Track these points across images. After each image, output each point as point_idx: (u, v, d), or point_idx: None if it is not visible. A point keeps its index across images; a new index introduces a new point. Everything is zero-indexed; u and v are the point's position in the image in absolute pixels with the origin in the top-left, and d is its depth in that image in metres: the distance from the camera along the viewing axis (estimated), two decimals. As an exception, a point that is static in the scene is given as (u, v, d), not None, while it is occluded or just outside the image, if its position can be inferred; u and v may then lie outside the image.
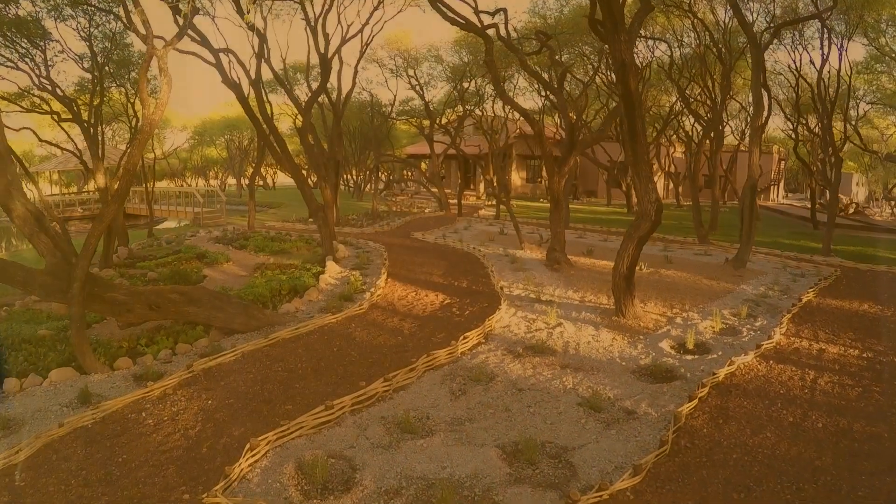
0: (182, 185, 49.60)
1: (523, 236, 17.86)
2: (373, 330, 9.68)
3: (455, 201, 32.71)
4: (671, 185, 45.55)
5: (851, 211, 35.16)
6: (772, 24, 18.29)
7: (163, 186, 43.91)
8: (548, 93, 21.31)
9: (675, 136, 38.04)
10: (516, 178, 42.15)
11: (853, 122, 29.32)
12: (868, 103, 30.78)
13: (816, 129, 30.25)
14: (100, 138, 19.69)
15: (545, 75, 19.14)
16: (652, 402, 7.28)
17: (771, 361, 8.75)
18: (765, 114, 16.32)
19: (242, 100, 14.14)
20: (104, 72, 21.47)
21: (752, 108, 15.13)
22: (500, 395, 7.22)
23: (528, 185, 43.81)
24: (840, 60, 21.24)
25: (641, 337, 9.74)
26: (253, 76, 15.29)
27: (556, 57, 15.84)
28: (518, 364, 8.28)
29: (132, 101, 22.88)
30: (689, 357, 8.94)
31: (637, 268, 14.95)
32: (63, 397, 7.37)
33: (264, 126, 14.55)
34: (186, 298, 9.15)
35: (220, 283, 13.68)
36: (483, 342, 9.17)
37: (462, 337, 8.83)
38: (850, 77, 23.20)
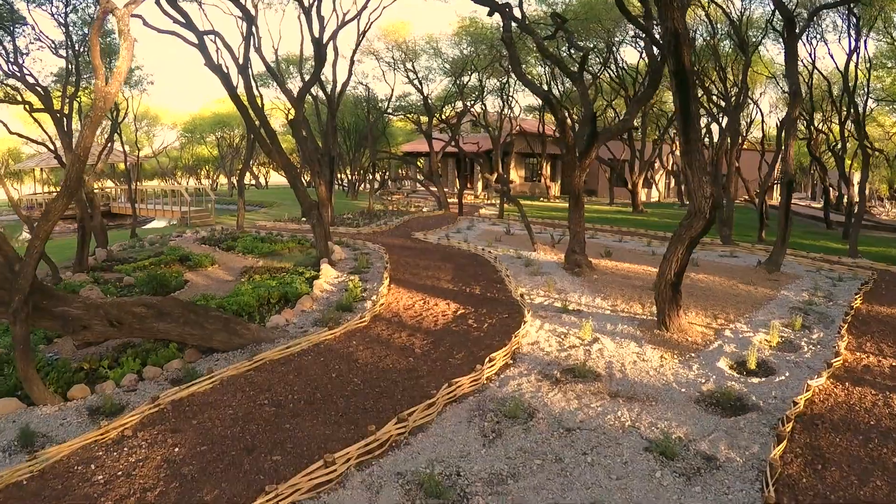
0: (171, 184, 47.78)
1: (535, 237, 16.28)
2: (378, 349, 8.06)
3: (454, 200, 31.17)
4: (672, 184, 44.22)
5: (856, 210, 33.94)
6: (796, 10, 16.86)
7: (151, 185, 42.09)
8: (544, 90, 19.77)
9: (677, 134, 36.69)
10: (515, 176, 40.58)
11: (861, 119, 28.12)
12: (878, 100, 29.48)
13: (821, 126, 28.99)
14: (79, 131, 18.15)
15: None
16: (731, 442, 5.77)
17: (846, 383, 7.33)
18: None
19: (228, 86, 12.50)
20: (80, 59, 19.82)
21: (788, 97, 13.62)
22: (545, 438, 5.65)
23: (527, 184, 42.29)
24: (857, 54, 19.95)
25: (693, 355, 8.22)
26: (241, 61, 13.64)
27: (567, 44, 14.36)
28: (559, 393, 6.71)
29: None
30: (754, 380, 7.46)
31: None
32: (2, 438, 5.77)
33: (252, 115, 12.92)
34: (155, 312, 7.52)
35: (203, 288, 12.05)
36: (511, 363, 7.61)
37: (487, 359, 7.25)
38: (868, 71, 21.85)
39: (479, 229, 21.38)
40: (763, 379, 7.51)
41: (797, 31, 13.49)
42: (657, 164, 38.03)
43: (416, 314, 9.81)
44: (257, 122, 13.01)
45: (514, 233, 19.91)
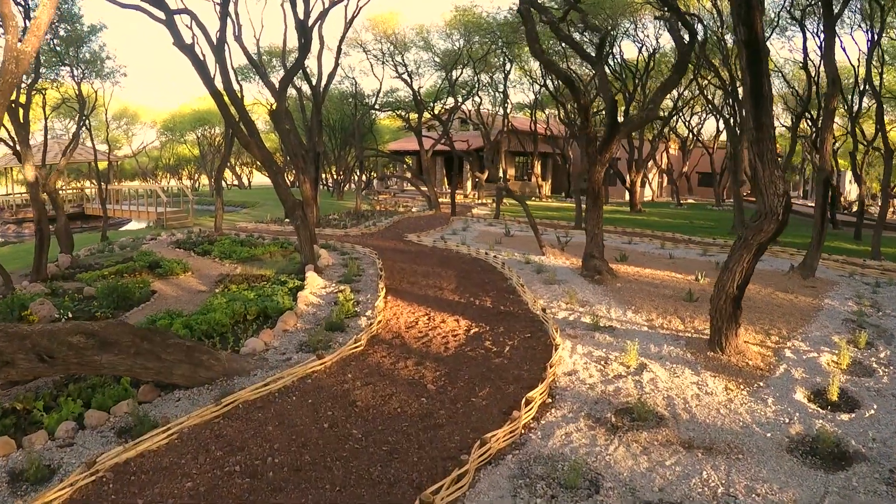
0: (149, 183, 45.57)
1: (542, 239, 14.68)
2: (380, 384, 6.38)
3: (444, 200, 29.54)
4: (665, 183, 42.97)
5: (856, 209, 32.98)
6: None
7: (129, 185, 39.97)
8: (550, 79, 18.19)
9: (672, 133, 35.34)
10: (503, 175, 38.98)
11: (858, 118, 27.02)
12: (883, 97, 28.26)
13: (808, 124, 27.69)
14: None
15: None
16: (854, 512, 4.23)
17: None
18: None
19: (200, 69, 10.75)
20: (43, 48, 17.96)
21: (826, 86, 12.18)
22: (622, 525, 4.05)
23: (518, 183, 40.73)
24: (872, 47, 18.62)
25: (761, 384, 6.70)
26: (215, 41, 11.87)
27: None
28: (620, 447, 5.11)
29: (79, 80, 19.28)
30: (843, 417, 6.00)
31: (693, 277, 11.98)
32: None
33: (227, 101, 11.19)
34: (97, 342, 5.80)
35: (171, 301, 10.32)
36: (549, 401, 6.00)
37: (524, 401, 5.63)
38: (882, 65, 20.55)
39: (475, 230, 19.76)
40: (851, 415, 6.06)
41: (833, 14, 12.02)
42: (650, 163, 36.67)
43: (422, 334, 8.15)
44: (233, 109, 11.28)
45: (515, 234, 18.33)
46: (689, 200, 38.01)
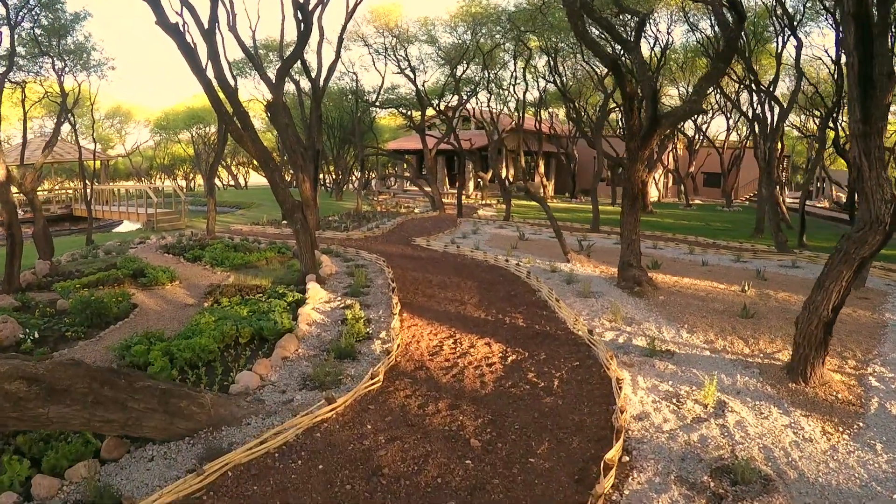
0: (140, 184, 43.88)
1: (566, 244, 13.28)
2: (409, 439, 4.95)
3: (448, 201, 28.21)
4: (671, 184, 41.68)
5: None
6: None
7: (123, 185, 38.40)
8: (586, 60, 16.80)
9: (679, 133, 34.00)
10: (506, 174, 37.60)
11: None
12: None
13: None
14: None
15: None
16: None
17: None
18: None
19: (186, 50, 9.32)
20: (23, 37, 16.53)
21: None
22: None
23: (518, 183, 39.32)
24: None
25: (860, 424, 5.52)
26: (206, 24, 10.45)
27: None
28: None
29: (60, 72, 17.80)
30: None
31: (738, 288, 10.65)
32: None
33: (216, 88, 9.77)
34: (43, 390, 4.39)
35: (154, 317, 8.93)
36: (627, 459, 4.64)
37: (602, 467, 4.26)
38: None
39: (486, 233, 18.36)
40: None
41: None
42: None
43: (449, 363, 6.75)
44: (222, 97, 9.88)
45: (529, 237, 16.95)
46: (696, 201, 36.72)
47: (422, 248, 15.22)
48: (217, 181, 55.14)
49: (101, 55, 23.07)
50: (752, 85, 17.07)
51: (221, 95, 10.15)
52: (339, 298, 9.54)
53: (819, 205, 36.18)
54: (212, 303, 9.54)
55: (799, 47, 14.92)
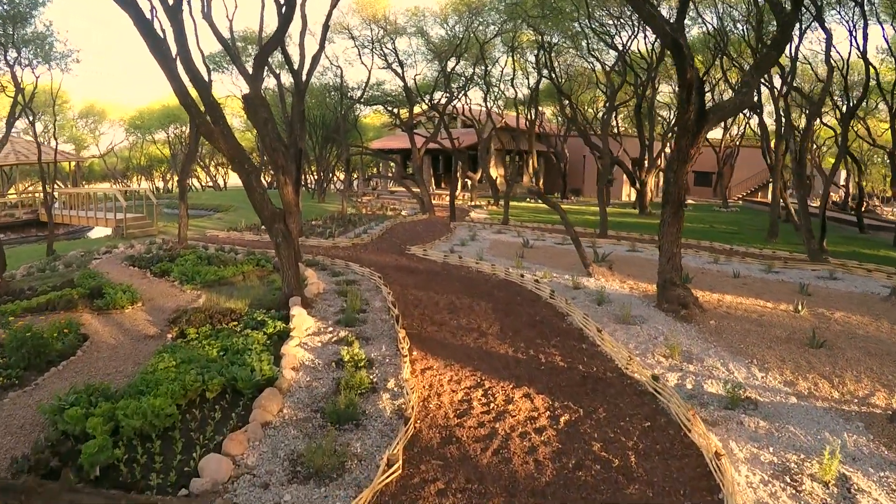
0: (117, 186, 41.37)
1: (585, 254, 11.62)
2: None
3: (439, 202, 26.56)
4: (661, 183, 40.42)
5: (863, 209, 30.86)
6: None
7: (91, 188, 35.98)
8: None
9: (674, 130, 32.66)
10: (495, 174, 35.96)
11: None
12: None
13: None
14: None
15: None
16: None
17: None
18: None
19: (142, 25, 7.48)
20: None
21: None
22: None
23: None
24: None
25: None
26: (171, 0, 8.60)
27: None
28: None
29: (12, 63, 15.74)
30: None
31: (789, 308, 9.10)
32: None
33: (180, 71, 7.95)
34: None
35: (106, 354, 7.16)
36: None
37: None
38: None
39: (485, 240, 16.63)
40: None
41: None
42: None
43: (484, 430, 5.02)
44: (187, 81, 8.06)
45: (534, 244, 15.29)
46: (689, 201, 35.51)
47: (418, 259, 13.46)
48: (195, 181, 52.64)
49: (66, 46, 20.88)
50: (784, 80, 15.62)
51: (190, 87, 8.37)
52: (331, 328, 7.77)
53: (814, 204, 35.12)
54: (176, 334, 7.74)
55: (829, 40, 13.47)
